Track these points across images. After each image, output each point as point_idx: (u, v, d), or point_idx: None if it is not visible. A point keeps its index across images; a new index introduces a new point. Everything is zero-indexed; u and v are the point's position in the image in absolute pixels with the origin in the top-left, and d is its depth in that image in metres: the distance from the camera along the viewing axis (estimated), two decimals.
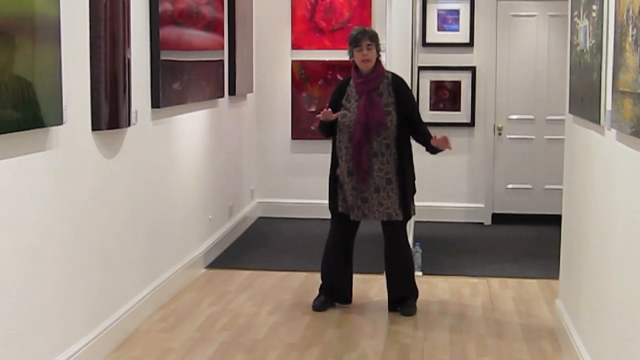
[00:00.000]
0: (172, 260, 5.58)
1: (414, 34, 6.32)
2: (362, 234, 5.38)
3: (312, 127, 7.76)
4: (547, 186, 8.00)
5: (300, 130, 8.15)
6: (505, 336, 4.85)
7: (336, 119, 5.11)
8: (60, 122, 3.75)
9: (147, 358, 4.43)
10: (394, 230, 5.18)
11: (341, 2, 8.04)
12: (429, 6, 8.03)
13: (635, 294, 3.09)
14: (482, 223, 8.15)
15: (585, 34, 4.07)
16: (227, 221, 7.12)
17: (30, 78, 3.45)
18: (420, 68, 7.90)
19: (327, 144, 5.45)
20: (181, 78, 5.53)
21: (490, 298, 5.62)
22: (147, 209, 5.09)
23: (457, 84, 8.10)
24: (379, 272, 5.70)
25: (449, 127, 8.11)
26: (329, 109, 5.11)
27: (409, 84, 5.28)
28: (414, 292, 5.30)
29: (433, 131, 7.93)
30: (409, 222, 6.07)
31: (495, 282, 6.03)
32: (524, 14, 8.00)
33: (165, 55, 5.19)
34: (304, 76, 8.15)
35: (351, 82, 5.17)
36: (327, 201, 5.28)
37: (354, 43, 5.09)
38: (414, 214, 5.27)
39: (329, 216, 5.33)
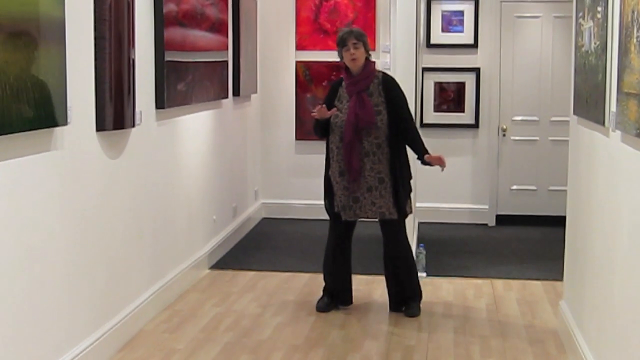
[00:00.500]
0: (176, 261, 5.58)
1: (418, 35, 6.32)
2: (364, 235, 5.38)
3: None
4: (552, 187, 8.00)
5: (305, 131, 8.15)
6: (510, 338, 4.84)
7: (330, 118, 5.12)
8: (64, 122, 3.76)
9: (151, 359, 4.43)
10: (390, 230, 5.17)
11: (345, 4, 8.04)
12: (433, 7, 8.03)
13: None
14: (486, 224, 8.14)
15: (590, 35, 4.06)
16: (231, 222, 7.12)
17: (34, 79, 3.45)
18: (425, 69, 7.91)
19: None
20: (185, 79, 5.53)
21: (495, 299, 5.62)
22: (151, 209, 5.09)
23: (462, 85, 8.10)
24: (382, 273, 5.69)
25: (453, 128, 8.14)
26: (324, 106, 5.12)
27: (400, 84, 5.24)
28: (417, 293, 5.29)
29: (436, 133, 8.11)
30: (413, 223, 6.06)
31: (499, 283, 6.02)
32: (528, 15, 7.99)
33: (169, 56, 5.19)
34: (309, 77, 8.15)
35: (343, 83, 5.19)
36: None
37: (341, 43, 5.10)
38: (411, 212, 5.24)
39: None
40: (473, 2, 7.98)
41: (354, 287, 5.47)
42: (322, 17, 8.09)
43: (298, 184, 8.26)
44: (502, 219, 8.14)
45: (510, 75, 8.02)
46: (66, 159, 3.89)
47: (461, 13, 8.03)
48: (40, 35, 3.49)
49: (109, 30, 4.21)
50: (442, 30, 8.06)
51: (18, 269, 3.48)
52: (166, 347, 4.60)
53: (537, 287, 5.90)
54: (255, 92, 7.93)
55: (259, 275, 6.16)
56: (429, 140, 8.03)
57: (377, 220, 5.17)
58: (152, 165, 5.09)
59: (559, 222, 5.58)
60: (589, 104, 4.08)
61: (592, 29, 4.02)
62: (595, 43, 3.93)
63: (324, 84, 8.09)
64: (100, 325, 4.32)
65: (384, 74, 5.23)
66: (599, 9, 3.82)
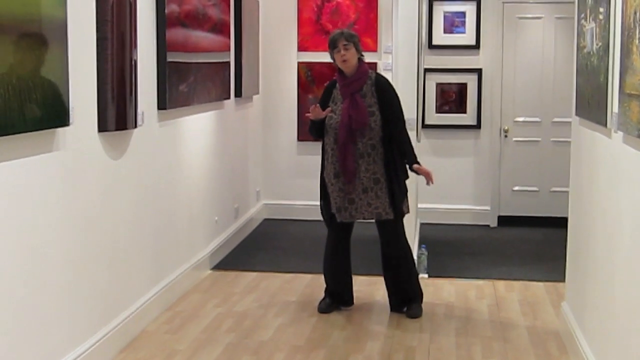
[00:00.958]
0: (178, 262, 5.58)
1: (420, 36, 6.32)
2: (366, 236, 5.38)
3: None
4: (554, 189, 7.99)
5: (306, 132, 8.10)
6: (512, 339, 4.84)
7: (325, 118, 5.11)
8: (66, 123, 3.76)
9: (153, 359, 4.43)
10: (387, 230, 5.17)
11: (347, 4, 8.04)
12: (435, 8, 8.03)
13: None
14: (488, 225, 8.14)
15: (592, 36, 4.06)
16: (233, 223, 7.12)
17: (37, 79, 3.45)
18: (427, 70, 7.90)
19: None
20: (187, 80, 5.53)
21: (496, 301, 5.62)
22: (153, 210, 5.10)
23: (464, 87, 8.10)
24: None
25: (455, 129, 8.14)
26: (317, 106, 5.12)
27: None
28: (418, 293, 5.29)
29: (438, 134, 8.12)
30: (414, 224, 6.06)
31: (501, 284, 6.02)
32: (530, 16, 7.99)
33: (171, 57, 5.20)
34: (310, 78, 8.15)
35: (337, 84, 5.18)
36: None
37: (331, 45, 5.10)
38: (408, 212, 5.22)
39: None
40: (475, 3, 7.98)
41: (355, 288, 5.47)
42: (324, 18, 8.09)
43: (300, 185, 8.26)
44: (504, 220, 8.14)
45: (512, 76, 8.02)
46: (68, 160, 3.89)
47: (463, 14, 8.03)
48: (42, 36, 3.49)
49: (111, 31, 4.22)
50: (444, 31, 8.06)
51: (20, 269, 3.49)
52: (168, 347, 4.60)
53: (539, 288, 5.90)
54: (257, 93, 7.93)
55: (261, 276, 6.16)
56: (431, 141, 8.16)
57: (373, 221, 5.17)
58: (154, 166, 5.09)
59: (561, 223, 5.58)
60: (590, 105, 4.08)
61: (594, 30, 4.02)
62: (597, 44, 3.93)
63: (325, 84, 8.05)
64: (102, 326, 4.32)
65: (377, 74, 5.22)
66: (601, 10, 3.82)
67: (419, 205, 7.22)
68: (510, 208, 8.16)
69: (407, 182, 5.21)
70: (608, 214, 3.74)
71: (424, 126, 7.94)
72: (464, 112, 8.12)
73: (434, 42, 8.05)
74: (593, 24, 4.04)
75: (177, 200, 5.58)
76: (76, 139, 3.95)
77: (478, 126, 8.12)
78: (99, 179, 4.26)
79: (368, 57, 7.84)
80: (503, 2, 7.97)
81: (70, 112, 3.79)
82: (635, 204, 3.20)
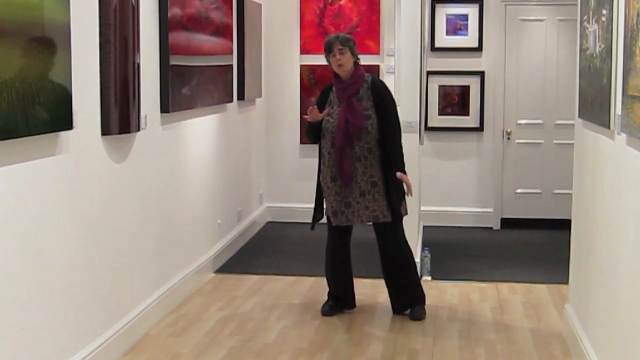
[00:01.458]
0: (181, 265, 5.59)
1: (422, 39, 6.32)
2: (369, 238, 5.37)
3: None
4: (557, 191, 7.99)
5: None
6: (515, 341, 4.84)
7: (322, 121, 5.11)
8: (70, 127, 3.76)
9: None
10: (386, 232, 5.16)
11: (350, 7, 8.04)
12: (437, 11, 8.03)
13: None
14: (491, 228, 8.13)
15: (595, 38, 4.06)
16: (236, 226, 7.12)
17: (40, 83, 3.46)
18: (429, 73, 7.89)
19: None
20: (190, 83, 5.54)
21: (500, 303, 5.61)
22: (156, 213, 5.10)
23: (466, 89, 8.10)
24: None
25: (457, 131, 8.14)
26: (315, 107, 5.12)
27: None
28: (421, 295, 5.28)
29: (441, 136, 8.12)
30: (417, 227, 6.05)
31: (504, 287, 6.01)
32: (532, 18, 7.99)
33: (174, 60, 5.20)
34: (313, 81, 8.15)
35: (333, 88, 5.18)
36: None
37: (327, 50, 5.10)
38: (406, 213, 5.21)
39: None
40: (477, 6, 7.98)
41: (358, 291, 5.46)
42: (327, 21, 8.09)
43: (303, 188, 8.24)
44: (507, 222, 8.13)
45: (514, 79, 8.02)
46: (71, 163, 3.89)
47: (465, 17, 8.03)
48: (45, 40, 3.50)
49: (114, 34, 4.22)
50: (447, 34, 8.06)
51: (23, 272, 3.49)
52: (171, 351, 4.60)
53: (542, 291, 5.90)
54: (260, 95, 7.94)
55: (264, 279, 6.16)
56: (433, 144, 8.16)
57: (370, 223, 5.15)
58: (157, 169, 5.10)
59: (564, 225, 5.58)
60: (594, 107, 4.08)
61: (596, 32, 4.02)
62: (600, 46, 3.93)
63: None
64: (105, 329, 4.32)
65: (373, 77, 5.22)
66: (604, 12, 3.82)
67: (422, 208, 7.22)
68: (513, 210, 8.15)
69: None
70: (611, 215, 3.74)
71: (427, 129, 7.93)
72: (467, 114, 8.12)
73: (437, 45, 8.05)
74: (596, 26, 4.04)
75: (180, 204, 5.58)
76: (79, 143, 3.95)
77: (481, 129, 8.12)
78: (102, 183, 4.27)
79: (370, 60, 7.93)
80: (505, 5, 7.97)
81: (74, 116, 3.79)
82: (639, 205, 3.19)
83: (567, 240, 5.03)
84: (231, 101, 6.76)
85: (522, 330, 5.03)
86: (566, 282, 5.13)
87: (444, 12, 8.05)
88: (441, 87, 8.10)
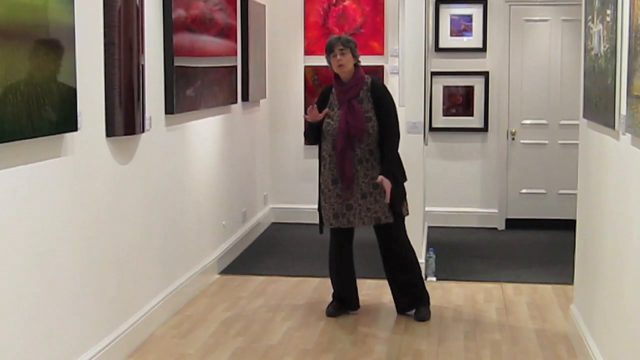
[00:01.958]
0: (186, 266, 5.59)
1: (426, 39, 6.32)
2: (372, 240, 5.35)
3: None
4: (561, 191, 7.98)
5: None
6: (520, 342, 4.83)
7: (322, 123, 5.10)
8: (74, 128, 3.77)
9: None
10: (388, 233, 5.15)
11: (354, 8, 8.04)
12: (441, 11, 8.03)
13: None
14: (495, 228, 8.13)
15: (600, 38, 4.05)
16: (241, 227, 7.13)
17: (45, 85, 3.46)
18: (433, 73, 7.89)
19: None
20: (194, 84, 5.54)
21: (505, 303, 5.61)
22: (161, 214, 5.10)
23: (470, 89, 8.09)
24: None
25: (462, 132, 8.13)
26: (315, 106, 5.11)
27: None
28: (425, 295, 5.28)
29: (445, 137, 8.11)
30: (422, 228, 6.05)
31: (509, 287, 6.01)
32: (537, 18, 7.98)
33: (178, 62, 5.21)
34: (317, 82, 8.15)
35: (333, 89, 5.18)
36: None
37: (328, 50, 5.09)
38: (408, 214, 5.20)
39: None
40: (482, 6, 7.98)
41: (362, 292, 5.47)
42: (331, 22, 8.09)
43: (307, 189, 8.24)
44: (511, 223, 8.13)
45: (519, 79, 8.01)
46: (76, 165, 3.90)
47: (470, 17, 8.03)
48: (50, 42, 3.50)
49: (119, 36, 4.23)
50: (451, 34, 8.06)
51: (29, 274, 3.49)
52: (176, 352, 4.61)
53: (547, 291, 5.89)
54: (264, 97, 7.94)
55: (269, 280, 6.17)
56: (438, 144, 8.16)
57: (372, 225, 5.14)
58: (161, 171, 5.10)
59: (569, 225, 5.57)
60: (598, 107, 4.07)
61: (601, 32, 4.01)
62: (604, 46, 3.92)
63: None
64: (110, 330, 4.32)
65: (374, 79, 5.20)
66: (608, 12, 3.81)
67: (427, 209, 7.22)
68: (517, 211, 8.15)
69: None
70: (617, 215, 3.73)
71: (431, 129, 7.94)
72: (471, 115, 8.12)
73: (441, 45, 8.05)
74: (600, 26, 4.03)
75: (185, 205, 5.59)
76: (84, 144, 3.96)
77: (485, 129, 8.11)
78: (107, 184, 4.27)
79: (375, 61, 7.93)
80: (510, 5, 7.97)
81: (79, 117, 3.80)
82: None
83: (572, 240, 5.03)
84: (235, 102, 6.76)
85: (528, 331, 5.03)
86: (571, 282, 5.13)
87: (448, 12, 8.05)
88: (445, 87, 8.10)
